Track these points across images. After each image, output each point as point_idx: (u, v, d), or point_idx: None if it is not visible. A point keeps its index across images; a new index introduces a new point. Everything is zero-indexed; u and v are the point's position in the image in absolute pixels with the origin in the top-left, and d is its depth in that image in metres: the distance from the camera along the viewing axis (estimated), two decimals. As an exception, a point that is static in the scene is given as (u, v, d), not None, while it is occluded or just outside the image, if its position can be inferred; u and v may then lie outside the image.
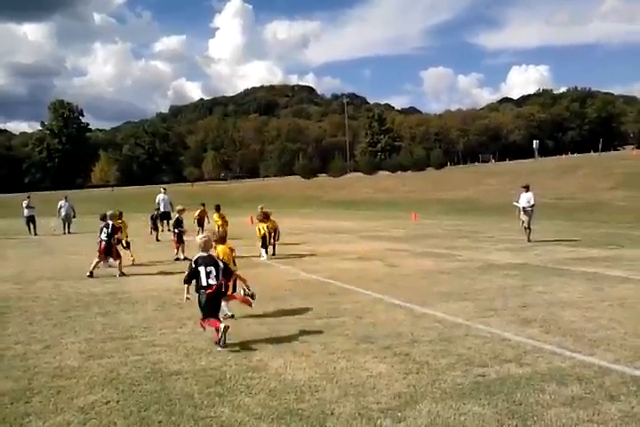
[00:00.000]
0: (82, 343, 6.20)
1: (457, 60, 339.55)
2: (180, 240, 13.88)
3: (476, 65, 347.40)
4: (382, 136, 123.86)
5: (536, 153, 78.42)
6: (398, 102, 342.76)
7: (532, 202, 15.43)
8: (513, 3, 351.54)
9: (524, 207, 15.42)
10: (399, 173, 79.63)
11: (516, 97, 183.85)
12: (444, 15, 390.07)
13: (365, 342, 5.94)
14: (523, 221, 15.49)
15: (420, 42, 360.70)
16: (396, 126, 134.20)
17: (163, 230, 21.25)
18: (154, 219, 21.30)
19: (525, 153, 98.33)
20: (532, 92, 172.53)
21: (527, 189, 15.77)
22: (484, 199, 34.35)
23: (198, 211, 19.80)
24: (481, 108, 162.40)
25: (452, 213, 29.83)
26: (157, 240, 19.17)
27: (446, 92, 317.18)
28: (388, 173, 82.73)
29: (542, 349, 5.51)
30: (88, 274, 11.07)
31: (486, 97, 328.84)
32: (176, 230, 13.98)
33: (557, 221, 22.11)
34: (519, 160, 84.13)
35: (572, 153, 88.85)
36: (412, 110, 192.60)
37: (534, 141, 79.60)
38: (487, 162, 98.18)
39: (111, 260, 11.64)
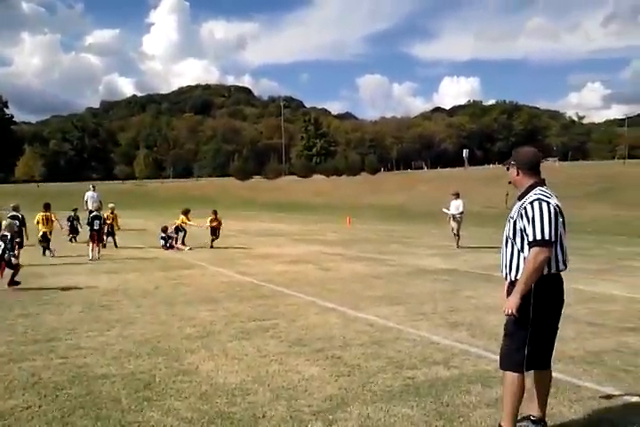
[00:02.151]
0: (1, 346, 5.90)
1: (392, 69, 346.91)
2: (98, 239, 13.76)
3: (410, 74, 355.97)
4: (318, 140, 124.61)
5: (466, 162, 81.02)
6: (335, 107, 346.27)
7: (461, 209, 15.86)
8: (447, 16, 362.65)
9: (453, 214, 15.86)
10: (334, 177, 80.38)
11: (447, 107, 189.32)
12: (383, 24, 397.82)
13: (298, 345, 5.95)
14: (452, 228, 15.92)
15: (357, 49, 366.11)
16: (332, 131, 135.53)
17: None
18: (70, 220, 19.53)
19: (456, 161, 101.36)
20: (462, 103, 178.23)
21: (457, 196, 16.20)
22: (415, 205, 35.19)
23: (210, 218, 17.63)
24: (414, 117, 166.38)
25: (385, 219, 30.35)
26: (71, 242, 18.39)
27: (381, 99, 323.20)
28: (323, 176, 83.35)
29: (469, 352, 5.69)
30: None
31: (419, 106, 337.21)
32: (94, 229, 13.68)
33: (485, 229, 22.88)
34: (450, 168, 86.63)
35: (500, 163, 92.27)
36: (347, 116, 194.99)
37: (464, 151, 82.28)
38: (420, 169, 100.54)
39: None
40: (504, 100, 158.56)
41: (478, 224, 23.97)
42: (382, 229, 23.55)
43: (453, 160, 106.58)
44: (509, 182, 3.80)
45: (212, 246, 16.36)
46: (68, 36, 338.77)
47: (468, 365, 5.27)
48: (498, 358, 3.68)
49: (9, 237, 9.33)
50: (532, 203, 3.45)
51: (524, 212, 3.47)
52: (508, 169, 3.76)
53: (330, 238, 19.31)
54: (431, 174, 66.31)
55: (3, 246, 9.28)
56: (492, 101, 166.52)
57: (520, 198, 3.58)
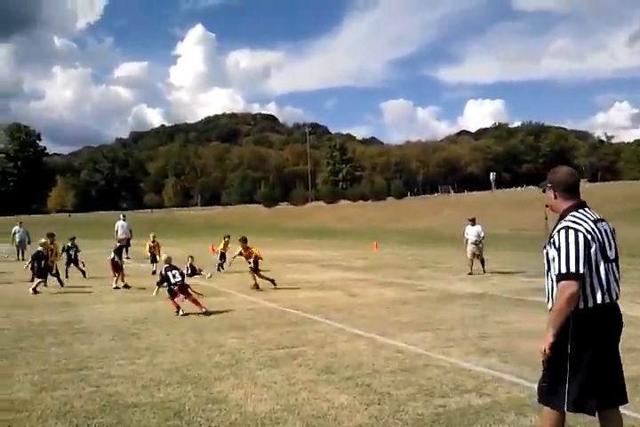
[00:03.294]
0: (34, 375, 5.98)
1: (416, 93, 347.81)
2: (118, 268, 13.75)
3: (434, 98, 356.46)
4: (344, 165, 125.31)
5: (493, 185, 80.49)
6: (359, 133, 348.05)
7: (482, 235, 15.51)
8: (471, 39, 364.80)
9: (475, 241, 15.46)
10: (360, 202, 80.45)
11: (472, 130, 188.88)
12: (406, 49, 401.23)
13: (327, 373, 5.91)
14: (473, 254, 15.45)
15: (381, 74, 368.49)
16: (358, 156, 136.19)
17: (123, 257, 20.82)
18: (66, 250, 16.44)
19: (483, 185, 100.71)
20: (488, 126, 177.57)
21: (473, 222, 15.83)
22: (443, 230, 34.92)
23: (223, 242, 18.03)
24: (440, 140, 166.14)
25: (412, 243, 30.16)
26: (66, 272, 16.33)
27: (406, 123, 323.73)
28: (349, 202, 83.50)
29: (501, 379, 5.58)
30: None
31: (444, 129, 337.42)
32: (115, 258, 13.80)
33: (513, 253, 22.57)
34: (477, 192, 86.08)
35: (528, 185, 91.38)
36: (372, 141, 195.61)
37: (491, 174, 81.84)
38: (446, 193, 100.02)
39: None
40: (530, 122, 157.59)
41: (506, 248, 23.67)
42: (409, 254, 23.40)
43: (480, 184, 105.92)
44: (547, 206, 3.54)
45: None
46: (98, 70, 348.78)
47: (500, 392, 5.17)
48: (532, 385, 3.61)
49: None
50: (559, 231, 3.23)
51: (552, 241, 3.26)
52: (544, 191, 3.52)
53: (356, 264, 19.24)
54: (458, 198, 65.94)
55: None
56: (517, 123, 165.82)
57: (556, 225, 3.33)
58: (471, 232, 15.66)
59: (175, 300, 9.80)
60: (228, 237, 18.15)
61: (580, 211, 3.32)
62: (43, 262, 13.04)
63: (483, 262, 15.52)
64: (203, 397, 5.19)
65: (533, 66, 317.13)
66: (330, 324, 8.63)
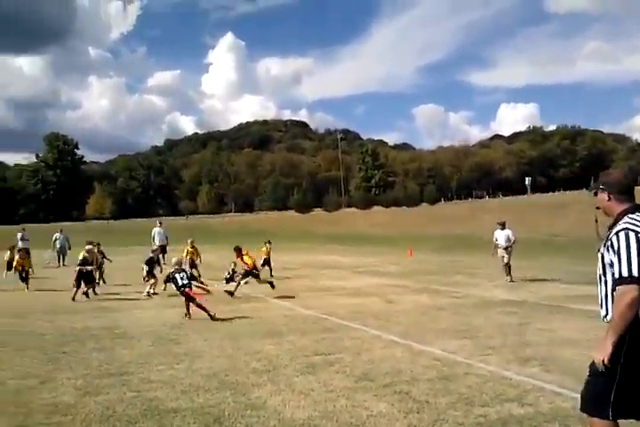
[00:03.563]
0: (78, 379, 6.11)
1: (448, 98, 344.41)
2: (152, 275, 13.87)
3: (466, 102, 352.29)
4: (376, 171, 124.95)
5: (528, 189, 79.30)
6: (391, 138, 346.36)
7: (512, 240, 15.04)
8: (502, 43, 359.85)
9: (505, 245, 15.01)
10: (393, 208, 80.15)
11: (506, 134, 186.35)
12: (437, 54, 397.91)
13: (364, 380, 5.89)
14: (503, 259, 15.05)
15: (412, 80, 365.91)
16: (390, 162, 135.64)
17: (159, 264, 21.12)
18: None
19: (518, 189, 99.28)
20: (521, 130, 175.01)
21: (503, 226, 15.36)
22: (478, 235, 34.46)
23: (265, 248, 17.83)
24: (473, 145, 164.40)
25: (447, 249, 29.87)
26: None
27: (438, 128, 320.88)
28: (382, 208, 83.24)
29: (543, 388, 5.47)
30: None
31: (476, 134, 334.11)
32: (146, 269, 13.93)
33: (550, 258, 22.17)
34: (512, 196, 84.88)
35: (565, 190, 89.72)
36: (404, 146, 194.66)
37: (526, 178, 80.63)
38: (481, 198, 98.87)
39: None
40: (565, 125, 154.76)
41: (544, 253, 23.26)
42: (444, 260, 23.18)
43: (515, 188, 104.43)
44: (597, 208, 3.42)
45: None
46: (132, 79, 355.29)
47: (543, 402, 5.07)
48: (575, 395, 3.50)
49: None
50: (617, 233, 3.10)
51: (609, 244, 3.13)
52: (595, 194, 3.39)
53: (391, 270, 19.14)
54: (493, 203, 65.12)
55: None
56: (552, 127, 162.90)
57: (610, 228, 3.22)
58: (500, 237, 15.23)
59: (191, 304, 10.05)
60: (269, 242, 18.12)
61: (638, 213, 3.19)
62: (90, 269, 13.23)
63: (509, 269, 14.97)
64: (241, 402, 5.22)
65: (567, 68, 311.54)
66: (366, 330, 8.60)
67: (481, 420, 4.65)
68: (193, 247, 17.25)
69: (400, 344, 7.59)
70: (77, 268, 13.00)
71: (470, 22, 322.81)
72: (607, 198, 3.31)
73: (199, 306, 9.88)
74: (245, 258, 13.32)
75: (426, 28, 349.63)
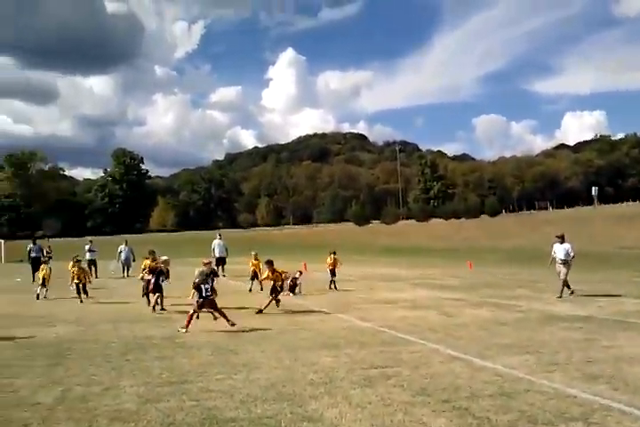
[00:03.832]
0: (140, 387, 6.28)
1: (509, 107, 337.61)
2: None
3: (528, 111, 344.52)
4: (435, 183, 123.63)
5: (595, 200, 76.52)
6: (451, 149, 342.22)
7: (572, 254, 14.25)
8: (567, 50, 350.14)
9: (563, 260, 14.26)
10: (453, 220, 78.95)
11: (571, 143, 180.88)
12: (497, 63, 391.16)
13: (422, 395, 5.79)
14: (560, 274, 14.29)
15: (472, 89, 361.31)
16: (449, 173, 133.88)
17: (218, 275, 21.51)
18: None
19: (584, 200, 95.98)
20: (588, 139, 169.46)
21: (562, 239, 14.60)
22: (542, 248, 33.44)
23: (330, 258, 17.80)
24: (536, 155, 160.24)
25: (509, 262, 29.11)
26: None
27: (499, 138, 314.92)
28: (441, 220, 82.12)
29: (610, 407, 5.24)
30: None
31: (540, 143, 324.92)
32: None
33: (620, 272, 21.25)
34: (578, 207, 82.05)
35: (634, 200, 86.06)
36: (464, 157, 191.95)
37: (593, 188, 77.76)
38: (544, 209, 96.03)
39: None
40: (634, 133, 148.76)
41: (612, 267, 22.33)
42: (506, 273, 22.59)
43: (581, 199, 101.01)
44: None
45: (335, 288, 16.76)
46: (196, 95, 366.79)
47: (610, 422, 4.85)
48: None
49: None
50: None
51: None
52: None
53: (450, 283, 18.81)
54: (557, 215, 63.16)
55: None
56: (620, 135, 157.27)
57: None
58: (559, 250, 14.49)
59: (193, 316, 10.18)
60: (335, 253, 18.07)
61: None
62: (161, 278, 13.01)
63: (564, 284, 14.16)
64: (298, 414, 5.23)
65: (636, 74, 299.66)
66: (424, 344, 8.47)
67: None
68: (256, 260, 17.44)
69: (459, 359, 7.43)
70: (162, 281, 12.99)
71: (534, 29, 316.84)
72: None
73: (221, 313, 10.18)
74: (276, 273, 12.94)
75: (487, 37, 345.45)
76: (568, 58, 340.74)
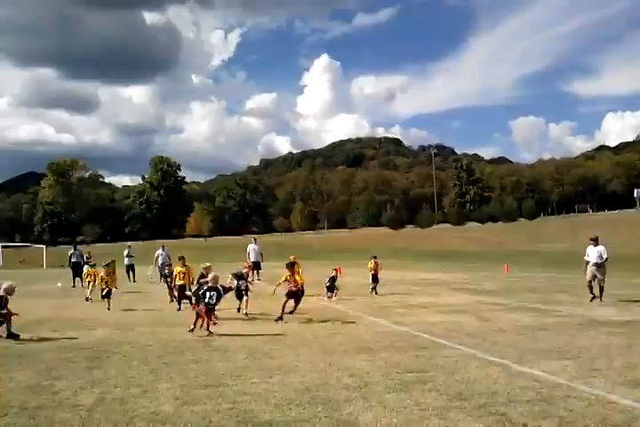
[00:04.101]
0: (176, 389, 6.36)
1: (548, 109, 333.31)
2: (238, 296, 12.90)
3: (568, 113, 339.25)
4: (471, 187, 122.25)
5: (638, 203, 74.51)
6: (487, 152, 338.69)
7: (605, 256, 13.84)
8: (607, 50, 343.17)
9: (596, 263, 13.92)
10: (489, 223, 77.90)
11: (612, 144, 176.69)
12: (535, 65, 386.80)
13: (458, 400, 5.71)
14: (594, 276, 13.94)
15: (509, 92, 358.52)
16: (486, 177, 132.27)
17: (253, 280, 21.68)
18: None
19: (625, 203, 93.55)
20: (630, 140, 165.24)
21: (596, 241, 14.22)
22: (582, 252, 32.72)
23: (370, 263, 17.52)
24: (575, 157, 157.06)
25: (548, 266, 28.54)
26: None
27: (537, 141, 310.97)
28: (477, 224, 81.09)
29: (654, 414, 5.08)
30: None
31: (580, 145, 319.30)
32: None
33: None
34: (620, 210, 80.00)
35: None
36: (501, 160, 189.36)
37: (635, 191, 75.79)
38: (584, 212, 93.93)
39: None
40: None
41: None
42: (544, 278, 22.16)
43: (622, 202, 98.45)
44: None
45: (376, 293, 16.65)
46: (232, 102, 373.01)
47: (653, 429, 4.70)
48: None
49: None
50: None
51: None
52: None
53: (487, 287, 18.55)
54: (598, 218, 61.71)
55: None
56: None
57: None
58: (592, 253, 14.15)
59: (199, 319, 10.05)
60: (375, 257, 17.71)
61: None
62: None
63: (601, 289, 13.83)
64: (333, 418, 5.22)
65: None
66: (461, 349, 8.36)
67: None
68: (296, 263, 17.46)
69: (496, 364, 7.31)
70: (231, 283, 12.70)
71: (573, 29, 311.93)
72: None
73: (206, 323, 10.10)
74: (297, 276, 12.44)
75: (525, 38, 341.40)
76: (608, 58, 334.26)
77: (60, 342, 9.78)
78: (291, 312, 12.02)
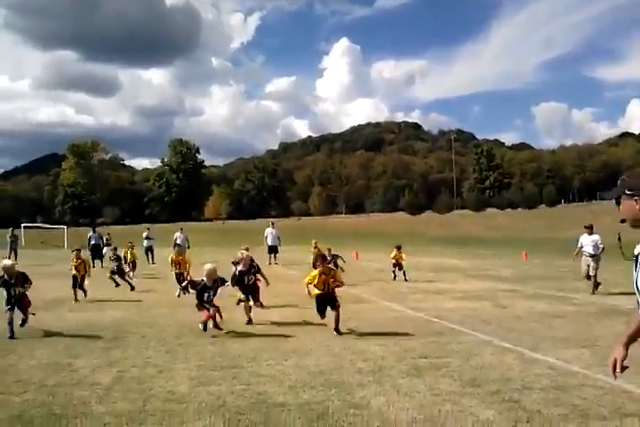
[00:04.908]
0: (192, 370, 6.45)
1: (571, 95, 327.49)
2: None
3: (591, 99, 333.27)
4: (491, 172, 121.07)
5: (661, 191, 73.27)
6: (508, 138, 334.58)
7: (601, 246, 13.18)
8: (635, 34, 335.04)
9: (591, 254, 13.25)
10: (509, 210, 77.26)
11: (637, 131, 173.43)
12: (558, 50, 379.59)
13: (472, 386, 5.72)
14: (588, 268, 13.28)
15: (531, 77, 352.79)
16: (506, 162, 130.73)
17: (270, 263, 21.82)
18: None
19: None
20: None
21: (591, 230, 13.55)
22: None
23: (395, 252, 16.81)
24: (598, 144, 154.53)
25: (567, 254, 28.23)
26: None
27: (560, 127, 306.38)
28: (496, 210, 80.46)
29: (670, 404, 5.05)
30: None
31: (603, 132, 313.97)
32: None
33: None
34: (642, 198, 78.74)
35: None
36: (523, 146, 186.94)
37: (659, 178, 74.44)
38: (605, 200, 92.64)
39: None
40: None
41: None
42: (563, 265, 21.92)
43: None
44: (622, 221, 2.83)
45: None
46: (251, 86, 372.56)
47: (669, 419, 4.67)
48: None
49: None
50: None
51: None
52: (618, 203, 2.80)
53: (505, 274, 18.45)
54: (619, 205, 60.81)
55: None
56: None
57: None
58: (586, 242, 13.37)
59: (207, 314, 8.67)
60: (399, 248, 16.87)
61: None
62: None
63: (595, 280, 13.22)
64: (346, 401, 5.26)
65: None
66: (476, 335, 8.36)
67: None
68: (316, 248, 17.51)
69: (511, 351, 7.30)
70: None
71: (598, 14, 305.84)
72: (638, 206, 2.73)
73: (214, 323, 8.85)
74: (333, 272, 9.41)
75: (549, 23, 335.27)
76: (634, 43, 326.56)
77: (79, 322, 9.96)
78: (336, 328, 8.64)
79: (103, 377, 6.17)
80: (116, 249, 16.38)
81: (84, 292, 12.83)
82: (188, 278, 11.12)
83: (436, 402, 5.21)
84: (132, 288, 14.48)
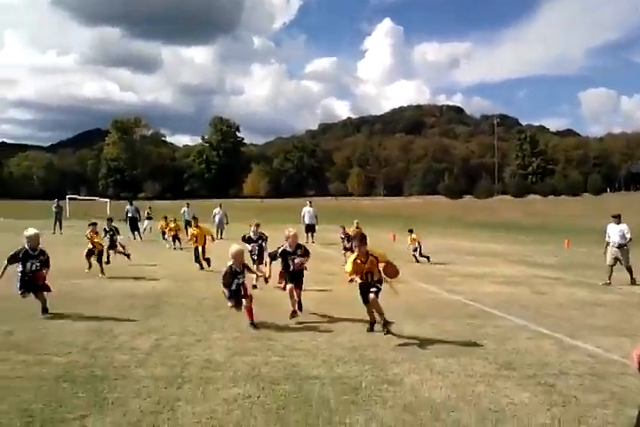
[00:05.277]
0: (229, 340, 6.57)
1: (621, 81, 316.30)
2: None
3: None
4: (534, 159, 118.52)
5: None
6: (554, 124, 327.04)
7: (628, 236, 12.77)
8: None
9: (619, 244, 12.83)
10: (551, 197, 75.65)
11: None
12: (611, 34, 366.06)
13: (507, 369, 5.68)
14: (615, 259, 12.86)
15: (580, 62, 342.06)
16: (550, 149, 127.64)
17: (307, 242, 21.91)
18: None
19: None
20: None
21: (618, 219, 13.15)
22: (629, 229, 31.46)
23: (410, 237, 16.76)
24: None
25: (610, 243, 27.57)
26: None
27: (608, 114, 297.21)
28: (538, 196, 78.88)
29: None
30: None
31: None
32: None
33: None
34: (692, 189, 76.08)
35: None
36: (568, 133, 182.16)
37: None
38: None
39: None
40: None
41: None
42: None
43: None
44: None
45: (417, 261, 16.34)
46: (292, 66, 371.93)
47: None
48: None
49: None
50: None
51: None
52: None
53: (545, 261, 18.12)
54: (668, 196, 58.89)
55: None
56: None
57: None
58: (614, 232, 12.99)
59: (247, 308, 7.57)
60: (412, 231, 16.93)
61: None
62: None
63: (630, 271, 12.83)
64: (379, 377, 5.29)
65: None
66: (513, 320, 8.26)
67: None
68: (358, 228, 17.43)
69: (549, 337, 7.20)
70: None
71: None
72: None
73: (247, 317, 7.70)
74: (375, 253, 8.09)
75: (600, 7, 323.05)
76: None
77: (120, 290, 10.22)
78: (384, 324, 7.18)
79: (143, 343, 6.34)
80: (111, 220, 15.15)
81: (100, 265, 12.51)
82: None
83: (469, 383, 5.19)
84: (128, 256, 14.15)
